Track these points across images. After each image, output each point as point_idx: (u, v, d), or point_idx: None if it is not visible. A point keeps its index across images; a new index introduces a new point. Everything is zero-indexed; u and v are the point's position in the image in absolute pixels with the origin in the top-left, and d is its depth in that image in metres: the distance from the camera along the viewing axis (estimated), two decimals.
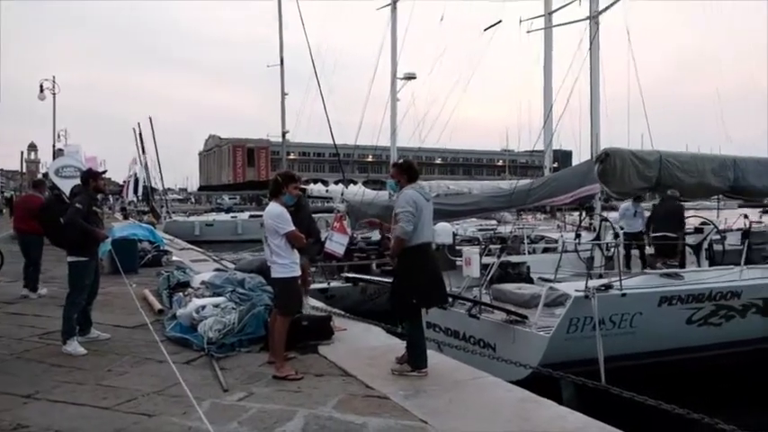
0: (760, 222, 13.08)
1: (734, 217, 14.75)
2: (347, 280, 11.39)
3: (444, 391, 4.96)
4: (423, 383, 5.13)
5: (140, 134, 35.97)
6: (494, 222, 20.41)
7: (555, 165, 27.00)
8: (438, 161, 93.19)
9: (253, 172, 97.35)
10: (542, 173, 18.95)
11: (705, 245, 10.09)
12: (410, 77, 22.81)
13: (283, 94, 29.96)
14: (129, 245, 12.42)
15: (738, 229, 12.17)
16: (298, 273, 5.61)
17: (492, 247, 11.20)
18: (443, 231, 9.29)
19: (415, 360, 5.41)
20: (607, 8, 14.79)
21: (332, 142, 21.95)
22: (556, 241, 14.22)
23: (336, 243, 12.56)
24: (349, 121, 22.46)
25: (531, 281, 10.51)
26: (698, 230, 10.96)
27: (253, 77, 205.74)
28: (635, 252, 11.67)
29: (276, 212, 5.45)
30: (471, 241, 13.64)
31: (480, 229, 18.29)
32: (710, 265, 10.06)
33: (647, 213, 11.58)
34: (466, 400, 4.75)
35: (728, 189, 10.45)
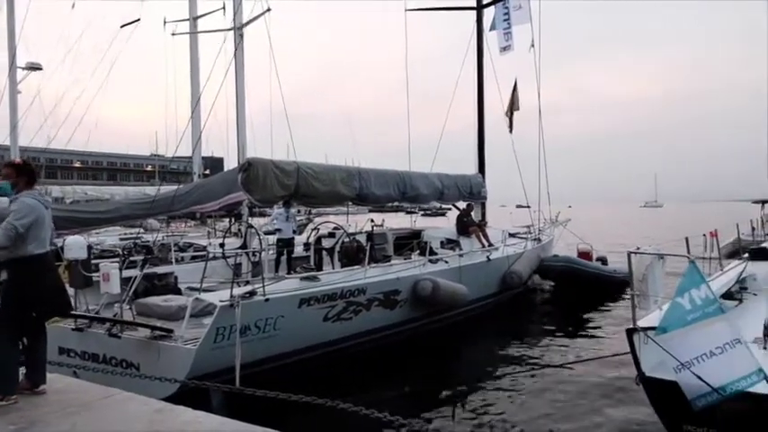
0: (381, 225, 15.06)
1: (363, 221, 16.70)
2: None
3: (68, 415, 4.44)
4: (40, 411, 4.51)
5: None
6: (139, 230, 19.25)
7: (207, 171, 26.81)
8: (77, 164, 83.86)
9: None
10: (192, 179, 18.64)
11: (337, 248, 11.19)
12: (35, 68, 19.98)
13: None
14: None
15: (365, 232, 13.80)
16: None
17: (134, 258, 10.49)
18: (75, 245, 8.28)
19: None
20: (249, 22, 15.25)
21: None
22: (205, 248, 14.12)
23: None
24: None
25: (179, 291, 10.21)
26: (331, 235, 12.10)
27: None
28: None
29: None
30: (112, 254, 12.55)
31: (123, 238, 17.03)
32: (344, 265, 11.17)
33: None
34: (94, 422, 4.33)
35: (355, 197, 11.71)
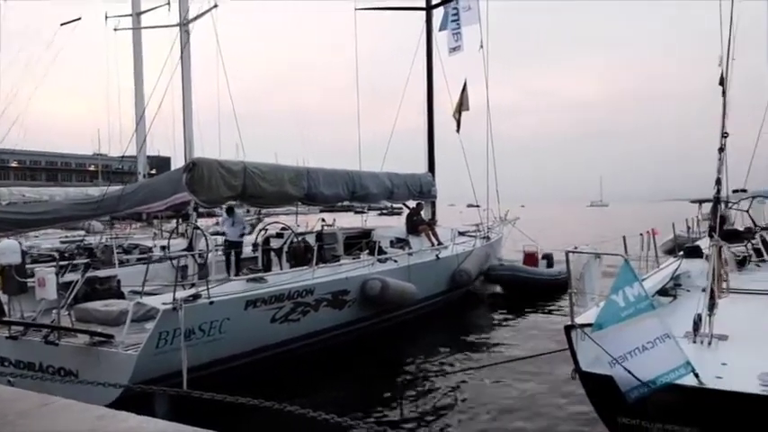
0: (331, 225, 15.00)
1: (316, 221, 16.59)
2: None
3: (3, 425, 4.20)
4: None
5: None
6: (82, 232, 18.66)
7: (152, 171, 26.18)
8: (13, 164, 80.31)
9: None
10: (137, 179, 18.21)
11: (286, 248, 11.09)
12: None
13: None
14: None
15: (314, 232, 13.72)
16: None
17: (76, 262, 10.18)
18: (8, 249, 7.98)
19: None
20: (196, 18, 15.01)
21: None
22: (151, 249, 13.79)
23: None
24: None
25: (122, 295, 9.95)
26: (279, 235, 11.98)
27: None
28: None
29: None
30: (50, 258, 12.13)
31: (64, 241, 16.47)
32: (292, 266, 11.08)
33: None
34: (32, 430, 4.16)
35: (304, 197, 11.62)
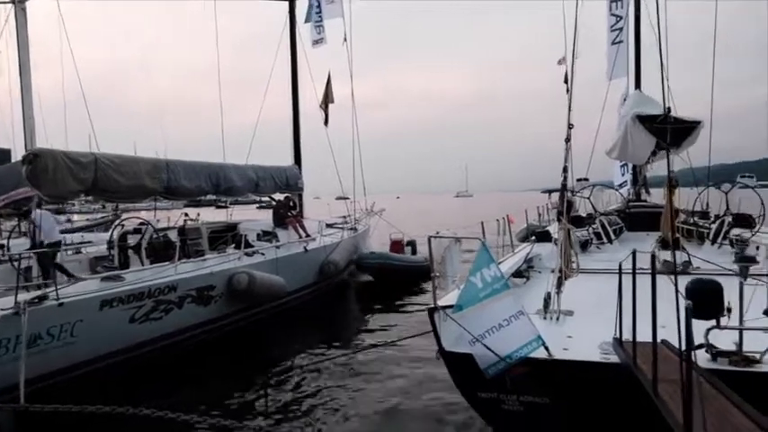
0: (195, 220, 14.36)
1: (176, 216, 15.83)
2: None
3: None
4: None
5: None
6: None
7: None
8: None
9: None
10: None
11: (144, 244, 10.49)
12: None
13: None
14: None
15: (177, 227, 13.07)
16: None
17: None
18: None
19: None
20: None
21: None
22: None
23: None
24: None
25: None
26: (137, 231, 11.29)
27: None
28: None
29: None
30: None
31: None
32: (152, 262, 10.49)
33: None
34: None
35: (163, 190, 11.04)
